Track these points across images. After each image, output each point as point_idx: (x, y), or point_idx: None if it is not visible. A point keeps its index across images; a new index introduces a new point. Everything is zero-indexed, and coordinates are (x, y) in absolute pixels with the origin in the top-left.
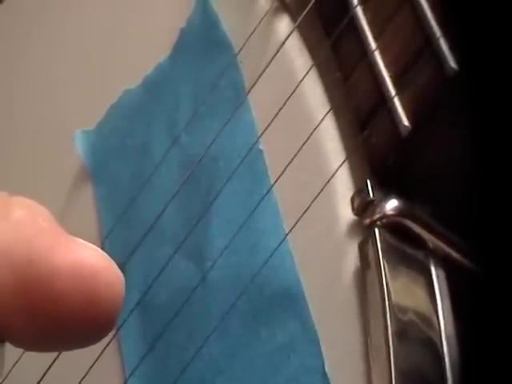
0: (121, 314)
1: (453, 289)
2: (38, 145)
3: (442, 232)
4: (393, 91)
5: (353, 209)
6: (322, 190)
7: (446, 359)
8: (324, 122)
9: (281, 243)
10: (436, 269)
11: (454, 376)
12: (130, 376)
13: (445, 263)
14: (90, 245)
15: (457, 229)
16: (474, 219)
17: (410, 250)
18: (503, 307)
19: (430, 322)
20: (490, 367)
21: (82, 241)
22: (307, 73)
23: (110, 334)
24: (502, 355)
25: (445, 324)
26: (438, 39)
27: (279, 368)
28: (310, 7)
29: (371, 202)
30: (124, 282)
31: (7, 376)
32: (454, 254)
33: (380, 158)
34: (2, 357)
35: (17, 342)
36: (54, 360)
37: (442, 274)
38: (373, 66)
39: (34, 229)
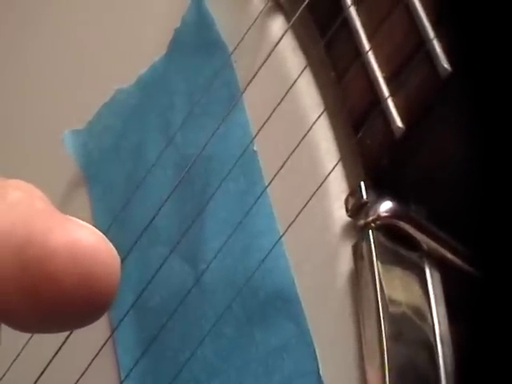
0: (116, 315)
1: (448, 290)
2: (32, 146)
3: (436, 233)
4: (386, 92)
5: (347, 210)
6: (315, 191)
7: (440, 359)
8: (318, 122)
9: (275, 245)
10: (430, 269)
11: (447, 376)
12: (125, 378)
13: (439, 264)
14: (87, 224)
15: (452, 230)
16: (469, 220)
17: (404, 251)
18: (500, 308)
19: (424, 323)
20: (485, 368)
21: (78, 220)
22: (301, 73)
23: (105, 336)
24: (497, 356)
25: (439, 324)
26: (431, 40)
27: (273, 371)
28: (304, 7)
29: (365, 203)
30: (120, 261)
31: (2, 378)
32: (449, 255)
33: (374, 160)
34: None
35: (14, 324)
36: (50, 362)
37: (437, 275)
38: (366, 66)
39: (31, 210)
